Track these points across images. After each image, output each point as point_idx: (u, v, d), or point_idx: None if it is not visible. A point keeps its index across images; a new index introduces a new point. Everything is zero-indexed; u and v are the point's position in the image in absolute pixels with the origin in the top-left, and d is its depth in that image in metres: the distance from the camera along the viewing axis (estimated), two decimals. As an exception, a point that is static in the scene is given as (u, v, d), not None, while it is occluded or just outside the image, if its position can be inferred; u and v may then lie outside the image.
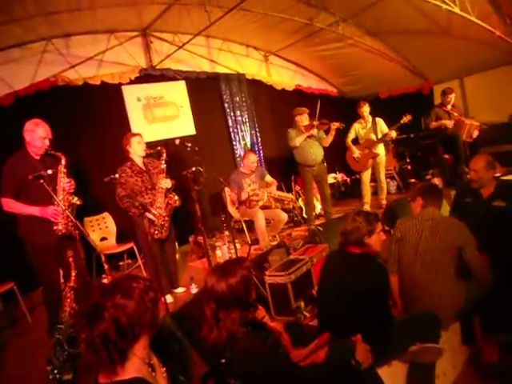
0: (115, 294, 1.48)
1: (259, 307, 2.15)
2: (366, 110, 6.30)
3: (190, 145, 4.21)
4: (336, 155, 7.51)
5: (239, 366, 1.85)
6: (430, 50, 6.64)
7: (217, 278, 1.95)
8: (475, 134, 6.01)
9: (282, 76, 8.27)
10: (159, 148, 4.11)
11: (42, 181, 2.88)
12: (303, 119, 5.82)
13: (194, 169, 4.15)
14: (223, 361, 1.90)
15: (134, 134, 4.21)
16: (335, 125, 5.72)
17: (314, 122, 5.75)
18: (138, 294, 1.51)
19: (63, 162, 3.38)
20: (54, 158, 3.38)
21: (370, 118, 6.33)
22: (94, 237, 5.42)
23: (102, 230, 5.62)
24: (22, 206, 3.28)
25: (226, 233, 4.93)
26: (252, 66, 7.87)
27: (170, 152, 5.95)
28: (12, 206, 3.29)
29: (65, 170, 3.38)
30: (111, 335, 1.41)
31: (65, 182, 3.36)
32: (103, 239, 5.56)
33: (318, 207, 6.76)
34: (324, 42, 7.16)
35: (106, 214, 5.69)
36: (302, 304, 3.29)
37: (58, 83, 5.60)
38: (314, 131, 5.73)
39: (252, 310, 2.02)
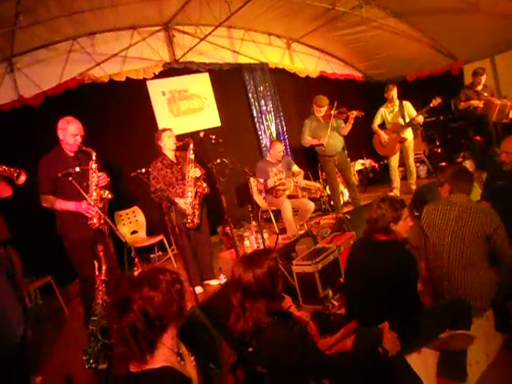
0: (143, 286, 1.52)
1: (285, 297, 2.16)
2: (394, 93, 6.16)
3: (214, 137, 4.23)
4: (363, 141, 7.40)
5: (266, 355, 1.87)
6: (458, 29, 6.41)
7: (244, 268, 1.97)
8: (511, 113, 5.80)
9: (306, 63, 8.17)
10: (186, 140, 4.22)
11: (70, 178, 2.96)
12: (321, 110, 5.72)
13: (218, 161, 4.19)
14: (250, 349, 1.93)
15: (165, 130, 4.33)
16: (353, 113, 5.60)
17: (332, 112, 5.65)
18: (164, 286, 1.55)
19: (94, 157, 3.46)
20: (87, 154, 3.47)
21: (397, 102, 6.19)
22: (125, 230, 5.56)
23: (133, 224, 5.75)
24: (58, 201, 3.38)
25: (253, 223, 4.95)
26: (275, 55, 7.81)
27: (196, 145, 6.05)
28: (49, 201, 3.40)
29: (96, 165, 3.46)
30: (140, 326, 1.46)
31: (96, 177, 3.44)
32: (134, 232, 5.70)
33: (346, 194, 6.70)
34: (347, 26, 7.02)
35: (136, 208, 5.82)
36: (330, 292, 3.29)
37: (84, 81, 5.73)
38: (325, 140, 5.58)
39: (278, 300, 2.04)
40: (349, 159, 6.47)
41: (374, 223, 2.46)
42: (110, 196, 3.52)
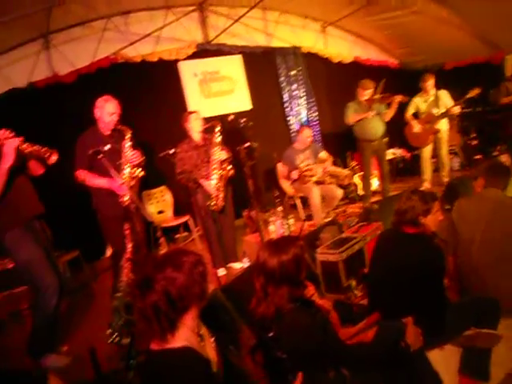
0: (166, 267, 1.54)
1: (308, 285, 2.15)
2: (430, 84, 5.96)
3: (243, 120, 4.21)
4: (396, 130, 7.23)
5: (286, 341, 1.87)
6: (503, 16, 6.10)
7: (269, 253, 1.97)
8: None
9: (340, 48, 7.99)
10: (213, 122, 4.24)
11: (100, 156, 3.00)
12: (365, 93, 5.62)
13: (247, 144, 4.17)
14: (270, 334, 1.93)
15: (192, 112, 4.38)
16: (398, 98, 5.48)
17: (376, 96, 5.54)
18: (187, 267, 1.56)
19: (128, 135, 3.50)
20: (122, 132, 3.52)
21: (432, 92, 6.00)
22: (152, 209, 5.65)
23: (160, 203, 5.82)
24: (92, 177, 3.45)
25: (279, 208, 4.94)
26: (309, 39, 7.66)
27: (225, 127, 6.05)
28: (84, 177, 3.47)
29: (130, 143, 3.50)
30: (162, 306, 1.48)
31: (130, 155, 3.49)
32: (160, 212, 5.77)
33: (375, 184, 6.60)
34: (385, 11, 6.79)
35: (164, 188, 5.89)
36: (353, 283, 3.26)
37: (117, 61, 5.76)
38: (371, 113, 5.52)
39: (301, 287, 2.03)
40: (387, 147, 6.34)
41: (403, 215, 2.40)
42: (141, 174, 3.57)
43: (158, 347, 1.54)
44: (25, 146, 2.76)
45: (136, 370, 2.33)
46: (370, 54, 8.28)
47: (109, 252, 5.12)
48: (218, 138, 4.19)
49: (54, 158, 2.88)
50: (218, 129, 4.19)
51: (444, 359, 2.27)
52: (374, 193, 6.50)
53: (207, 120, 4.41)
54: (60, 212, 4.84)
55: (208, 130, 4.31)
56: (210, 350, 1.69)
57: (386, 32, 7.56)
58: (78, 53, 5.53)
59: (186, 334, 1.56)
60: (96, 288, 4.56)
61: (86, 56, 5.60)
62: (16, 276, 3.38)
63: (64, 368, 2.91)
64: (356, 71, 7.52)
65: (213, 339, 1.77)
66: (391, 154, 7.60)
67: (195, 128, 4.26)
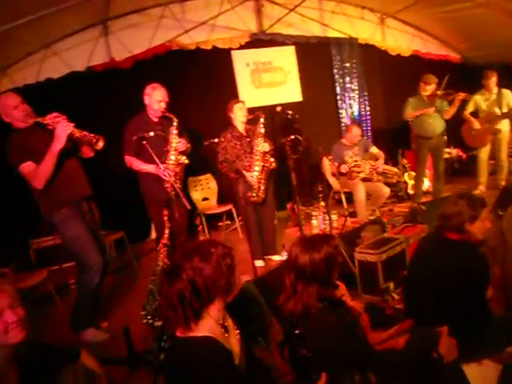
0: (194, 256, 1.55)
1: (340, 285, 2.10)
2: (493, 81, 5.64)
3: (291, 112, 4.16)
4: (452, 128, 6.90)
5: (311, 340, 1.84)
6: None
7: (301, 250, 1.93)
8: None
9: (398, 40, 7.69)
10: (257, 113, 4.20)
11: (144, 142, 3.08)
12: (427, 88, 5.40)
13: (292, 137, 4.12)
14: (297, 332, 1.91)
15: (237, 101, 4.37)
16: (461, 95, 5.22)
17: (438, 92, 5.31)
18: (215, 259, 1.56)
19: (175, 123, 3.56)
20: (170, 119, 3.58)
21: (495, 90, 5.66)
22: (196, 196, 5.74)
23: (205, 191, 5.91)
24: (140, 163, 3.57)
25: (322, 203, 4.87)
26: (366, 30, 7.42)
27: (272, 119, 6.02)
28: (132, 163, 3.60)
29: (176, 131, 3.56)
30: (187, 295, 1.49)
31: (176, 142, 3.55)
32: (205, 199, 5.86)
33: (426, 183, 6.35)
34: (449, 2, 6.43)
35: (209, 175, 5.97)
36: (392, 285, 3.15)
37: (172, 48, 5.87)
38: (431, 110, 5.31)
39: (331, 287, 1.99)
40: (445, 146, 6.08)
41: (448, 220, 2.28)
42: (186, 161, 3.62)
43: (181, 334, 1.56)
44: (75, 130, 2.88)
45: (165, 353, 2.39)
46: (429, 47, 7.91)
47: (154, 235, 5.28)
48: (262, 130, 4.16)
49: (100, 144, 3.00)
50: (262, 120, 4.16)
51: (481, 375, 2.15)
52: (426, 193, 6.27)
53: (253, 110, 4.38)
54: (109, 194, 5.03)
55: (252, 121, 4.29)
56: (234, 341, 1.70)
57: (448, 25, 7.16)
58: (134, 39, 5.68)
59: (210, 325, 1.57)
60: (138, 269, 4.71)
61: (143, 42, 5.74)
62: (65, 252, 3.55)
63: (101, 343, 3.04)
64: (415, 65, 7.23)
65: (238, 331, 1.77)
66: (446, 153, 7.26)
67: (239, 118, 4.26)
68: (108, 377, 2.03)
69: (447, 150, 7.29)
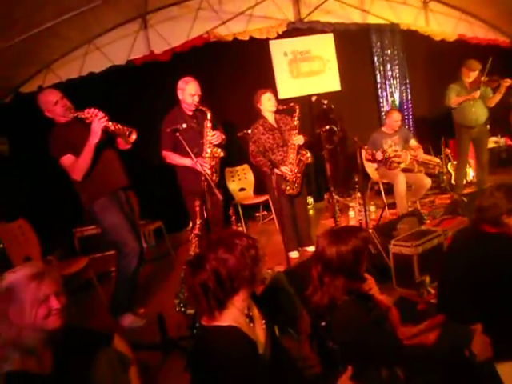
0: (219, 247, 1.57)
1: (368, 278, 2.07)
2: None
3: (326, 102, 4.10)
4: (500, 116, 6.57)
5: (337, 333, 1.84)
6: None
7: (328, 242, 1.92)
8: None
9: (443, 25, 7.36)
10: (292, 104, 4.14)
11: (177, 134, 3.14)
12: (471, 75, 5.18)
13: (327, 127, 4.06)
14: (323, 324, 1.91)
15: (264, 91, 4.30)
16: (507, 82, 4.97)
17: (482, 78, 5.06)
18: (239, 250, 1.57)
19: (208, 116, 3.60)
20: (204, 112, 3.62)
21: (548, 74, 5.33)
22: (233, 187, 5.79)
23: (241, 181, 5.95)
24: (178, 157, 3.65)
25: (358, 194, 4.79)
26: (408, 15, 7.16)
27: (308, 109, 5.95)
28: (170, 157, 3.70)
29: (210, 124, 3.61)
30: (211, 285, 1.52)
31: (211, 135, 3.60)
32: (241, 190, 5.90)
33: (471, 174, 6.11)
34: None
35: (246, 166, 6.00)
36: (428, 279, 3.06)
37: (210, 39, 5.92)
38: (477, 94, 5.08)
39: (359, 280, 1.96)
40: (489, 134, 5.83)
41: (484, 212, 2.19)
42: (222, 154, 3.66)
43: (206, 323, 1.59)
44: (109, 124, 2.98)
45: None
46: (476, 31, 7.53)
47: (191, 225, 5.38)
48: (296, 122, 4.12)
49: (133, 137, 3.10)
50: (297, 112, 4.12)
51: (517, 374, 2.07)
52: (470, 184, 6.04)
53: (288, 101, 4.34)
54: (148, 185, 5.19)
55: (285, 112, 4.24)
56: (259, 331, 1.71)
57: (496, 7, 6.79)
58: (173, 32, 5.78)
59: (234, 314, 1.59)
60: (175, 258, 4.83)
61: (181, 35, 5.83)
62: (106, 241, 3.71)
63: (138, 329, 3.16)
64: (461, 50, 6.90)
65: (263, 321, 1.78)
66: (493, 142, 6.95)
67: (268, 108, 4.22)
68: (140, 362, 2.10)
69: (494, 138, 6.99)
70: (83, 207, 3.23)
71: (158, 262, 4.80)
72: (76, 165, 2.99)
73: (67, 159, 2.99)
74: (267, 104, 4.22)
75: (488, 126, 5.51)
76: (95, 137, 2.92)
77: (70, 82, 5.19)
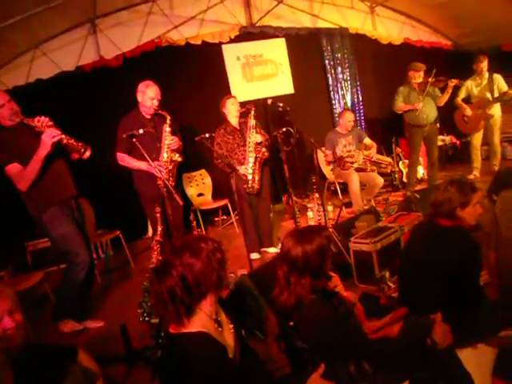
0: (184, 252, 1.54)
1: (333, 276, 2.10)
2: (484, 65, 5.64)
3: (281, 105, 4.15)
4: (445, 115, 6.90)
5: (305, 331, 1.86)
6: None
7: (293, 242, 1.94)
8: None
9: (389, 29, 7.66)
10: (247, 106, 4.25)
11: (134, 140, 3.07)
12: (417, 76, 5.40)
13: (284, 129, 4.12)
14: (291, 323, 1.92)
15: (229, 97, 4.42)
16: (453, 82, 5.21)
17: (430, 79, 5.29)
18: (205, 254, 1.55)
19: (168, 120, 3.57)
20: (162, 117, 3.59)
21: (486, 75, 5.66)
22: (191, 192, 5.74)
23: (199, 186, 5.91)
24: (132, 160, 3.58)
25: (316, 195, 4.88)
26: (356, 19, 7.40)
27: (264, 112, 6.00)
28: (124, 160, 3.62)
29: (169, 129, 3.57)
30: (178, 291, 1.49)
31: (169, 140, 3.56)
32: (200, 195, 5.86)
33: (421, 171, 6.37)
34: (439, -11, 6.43)
35: (204, 171, 5.97)
36: (387, 274, 3.16)
37: (161, 44, 5.83)
38: (420, 105, 5.31)
39: (324, 278, 1.99)
40: (438, 133, 6.08)
41: (439, 207, 2.29)
42: (179, 159, 3.64)
43: (174, 331, 1.56)
44: (62, 137, 2.88)
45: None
46: (420, 35, 7.89)
47: (150, 232, 5.28)
48: (253, 121, 4.21)
49: (87, 154, 3.03)
50: (252, 112, 4.21)
51: (476, 359, 2.16)
52: (420, 181, 6.29)
53: (244, 104, 4.39)
54: (104, 193, 5.04)
55: (244, 114, 4.31)
56: (227, 336, 1.70)
57: (439, 12, 7.13)
58: (123, 37, 5.65)
59: (203, 320, 1.57)
60: (135, 267, 4.72)
61: (132, 40, 5.71)
62: (55, 251, 3.58)
63: (100, 342, 3.06)
64: (406, 53, 7.21)
65: (231, 326, 1.77)
66: (440, 140, 7.26)
67: (232, 113, 4.31)
68: (105, 375, 2.03)
69: (441, 137, 7.30)
70: (32, 217, 3.11)
71: (117, 272, 4.67)
72: (22, 175, 2.87)
73: (13, 168, 2.87)
74: (231, 108, 4.30)
75: (438, 125, 5.76)
76: (44, 149, 2.81)
77: (17, 89, 4.95)
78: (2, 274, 3.90)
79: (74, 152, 3.10)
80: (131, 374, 2.56)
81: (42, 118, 2.86)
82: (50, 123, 2.87)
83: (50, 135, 2.82)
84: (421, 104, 5.29)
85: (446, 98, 5.35)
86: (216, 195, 5.87)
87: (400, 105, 5.47)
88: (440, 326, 1.94)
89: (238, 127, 4.33)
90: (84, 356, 2.01)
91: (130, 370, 2.58)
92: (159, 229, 3.00)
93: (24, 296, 3.33)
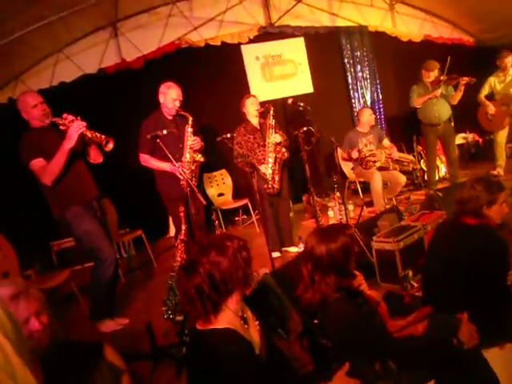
0: (210, 251, 1.57)
1: (357, 274, 2.10)
2: (508, 61, 5.53)
3: (302, 104, 4.14)
4: (467, 112, 6.79)
5: (330, 330, 1.86)
6: None
7: (317, 240, 1.94)
8: None
9: (409, 26, 7.58)
10: (266, 105, 4.26)
11: (158, 140, 3.12)
12: (430, 75, 5.35)
13: (305, 128, 4.12)
14: (315, 322, 1.93)
15: (249, 96, 4.44)
16: (464, 80, 5.15)
17: (442, 78, 5.24)
18: (231, 252, 1.58)
19: (190, 121, 3.60)
20: (184, 117, 3.63)
21: (510, 71, 5.55)
22: (212, 192, 5.79)
23: (220, 186, 5.95)
24: (155, 161, 3.62)
25: (338, 194, 4.86)
26: (376, 17, 7.35)
27: (284, 111, 6.01)
28: (147, 161, 3.66)
29: (191, 130, 3.60)
30: (205, 288, 1.51)
31: (191, 140, 3.60)
32: (220, 195, 5.90)
33: (443, 170, 6.28)
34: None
35: (224, 171, 6.00)
36: (410, 273, 3.13)
37: (181, 45, 5.91)
38: (438, 92, 5.25)
39: (349, 277, 1.99)
40: (455, 131, 6.01)
41: (465, 205, 2.26)
42: (202, 159, 3.67)
43: (202, 327, 1.59)
44: (87, 131, 2.95)
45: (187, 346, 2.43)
46: (441, 31, 7.78)
47: (172, 232, 5.34)
48: (272, 121, 4.21)
49: (110, 146, 3.07)
50: (271, 112, 4.22)
51: (503, 359, 2.13)
52: (443, 179, 6.21)
53: (263, 104, 4.40)
54: (126, 193, 5.11)
55: (263, 114, 4.32)
56: (253, 332, 1.72)
57: (460, 7, 7.03)
58: (144, 39, 5.74)
59: (229, 317, 1.59)
60: (157, 266, 4.78)
61: (153, 42, 5.80)
62: (80, 249, 3.65)
63: (126, 339, 3.11)
64: (427, 50, 7.11)
65: (257, 322, 1.79)
66: (461, 138, 7.18)
67: (252, 112, 4.32)
68: (131, 372, 2.06)
69: (463, 135, 7.21)
70: (54, 218, 3.18)
71: (140, 272, 4.73)
72: (47, 169, 2.93)
73: (38, 162, 2.94)
74: (251, 108, 4.32)
75: (452, 123, 5.68)
76: (70, 141, 2.88)
77: (41, 92, 5.06)
78: (30, 272, 4.00)
79: (96, 145, 3.16)
80: (157, 371, 2.60)
81: (69, 116, 2.94)
82: (76, 119, 2.94)
83: (76, 128, 2.88)
84: (439, 90, 5.24)
85: (458, 96, 5.29)
86: (236, 195, 5.90)
87: (416, 100, 5.42)
88: (466, 325, 1.92)
89: (258, 127, 4.34)
90: (110, 351, 2.04)
91: (155, 366, 2.62)
92: (183, 228, 3.03)
93: (50, 294, 3.40)
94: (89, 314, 3.33)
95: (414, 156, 6.32)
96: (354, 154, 5.22)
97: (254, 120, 4.35)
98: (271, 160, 4.19)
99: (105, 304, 3.27)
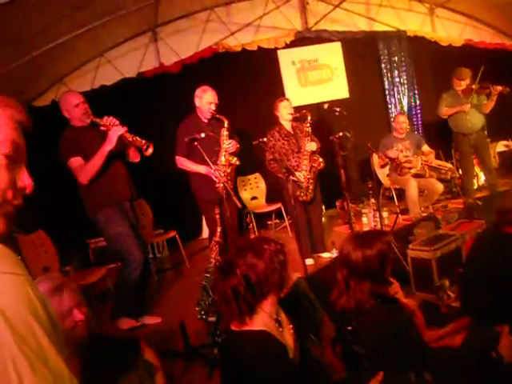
0: (247, 253, 1.59)
1: (393, 282, 2.08)
2: None
3: (338, 109, 4.12)
4: (509, 119, 6.57)
5: (364, 337, 1.84)
6: None
7: (354, 246, 1.93)
8: None
9: (449, 31, 7.40)
10: (304, 111, 4.23)
11: (196, 143, 3.17)
12: (462, 83, 5.21)
13: (340, 134, 4.09)
14: (349, 328, 1.91)
15: (282, 100, 4.41)
16: (497, 89, 4.97)
17: (473, 86, 5.09)
18: (268, 255, 1.59)
19: (226, 124, 3.65)
20: (219, 121, 3.68)
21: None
22: (245, 195, 5.82)
23: (253, 190, 5.98)
24: (191, 163, 3.69)
25: (372, 200, 4.80)
26: (415, 22, 7.23)
27: (319, 116, 5.98)
28: (183, 163, 3.74)
29: (227, 133, 3.65)
30: (241, 290, 1.53)
31: (227, 143, 3.64)
32: (253, 198, 5.92)
33: (482, 178, 6.09)
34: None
35: (258, 175, 6.02)
36: (447, 283, 3.05)
37: (218, 50, 5.98)
38: (467, 107, 5.10)
39: (384, 284, 1.97)
40: (488, 140, 5.84)
41: (505, 214, 2.20)
42: (237, 163, 3.71)
43: (236, 328, 1.61)
44: (127, 134, 3.03)
45: (219, 347, 2.45)
46: (483, 36, 7.56)
47: (205, 233, 5.41)
48: (309, 129, 4.18)
49: (149, 151, 3.14)
50: (309, 119, 4.18)
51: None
52: (482, 188, 6.02)
53: (299, 109, 4.39)
54: (161, 194, 5.21)
55: (299, 119, 4.30)
56: (287, 336, 1.72)
57: (503, 12, 6.81)
58: (182, 44, 5.86)
59: (264, 319, 1.60)
60: (191, 267, 4.84)
61: (190, 46, 5.92)
62: (109, 249, 3.73)
63: (159, 337, 3.16)
64: (467, 55, 6.93)
65: (291, 326, 1.79)
66: (503, 146, 6.94)
67: (284, 116, 4.30)
68: (165, 369, 2.10)
69: (505, 142, 6.97)
70: (88, 217, 3.26)
71: (173, 272, 4.81)
72: (85, 168, 3.02)
73: (76, 161, 3.03)
74: (284, 111, 4.29)
75: (486, 132, 5.52)
76: (110, 144, 2.97)
77: (83, 95, 5.24)
78: (68, 268, 4.14)
79: (136, 149, 3.24)
80: (189, 370, 2.64)
81: (111, 117, 3.03)
82: (117, 123, 3.03)
83: (116, 131, 2.97)
84: (468, 105, 5.10)
85: (491, 105, 5.13)
86: (269, 199, 5.91)
87: (444, 110, 5.30)
88: (507, 338, 1.86)
89: (291, 131, 4.31)
90: (146, 349, 2.09)
91: (187, 365, 2.66)
92: (218, 230, 3.07)
93: (86, 290, 3.50)
94: (110, 314, 3.40)
95: (452, 164, 6.17)
96: (393, 153, 5.13)
97: (287, 124, 4.32)
98: (306, 168, 4.15)
99: (127, 303, 3.32)
